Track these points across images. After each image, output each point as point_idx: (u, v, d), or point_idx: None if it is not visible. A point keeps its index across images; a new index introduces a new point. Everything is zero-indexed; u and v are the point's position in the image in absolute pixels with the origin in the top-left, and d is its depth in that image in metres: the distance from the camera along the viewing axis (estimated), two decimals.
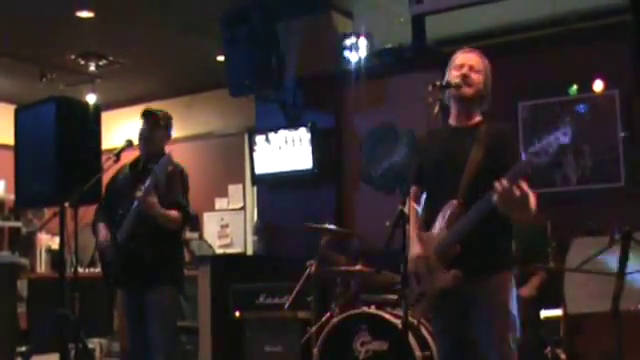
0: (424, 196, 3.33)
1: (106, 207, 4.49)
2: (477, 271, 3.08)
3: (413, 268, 3.19)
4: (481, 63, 3.27)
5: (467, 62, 3.24)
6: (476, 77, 3.22)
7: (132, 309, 4.33)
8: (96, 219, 4.54)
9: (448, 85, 3.19)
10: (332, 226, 5.20)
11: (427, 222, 3.26)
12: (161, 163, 4.13)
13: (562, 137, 2.72)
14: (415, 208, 3.35)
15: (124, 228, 4.23)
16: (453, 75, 3.24)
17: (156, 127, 4.48)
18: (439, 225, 3.16)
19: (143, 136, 4.48)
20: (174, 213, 4.28)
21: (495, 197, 2.85)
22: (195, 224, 7.89)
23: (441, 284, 3.11)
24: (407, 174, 3.27)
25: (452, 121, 3.33)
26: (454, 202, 3.10)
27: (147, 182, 4.11)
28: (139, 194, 4.11)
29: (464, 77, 3.19)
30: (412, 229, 3.25)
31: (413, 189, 3.39)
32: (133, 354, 4.35)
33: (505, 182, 2.82)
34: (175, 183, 4.32)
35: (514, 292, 3.19)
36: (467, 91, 3.21)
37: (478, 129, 3.21)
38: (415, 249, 3.21)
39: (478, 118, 3.30)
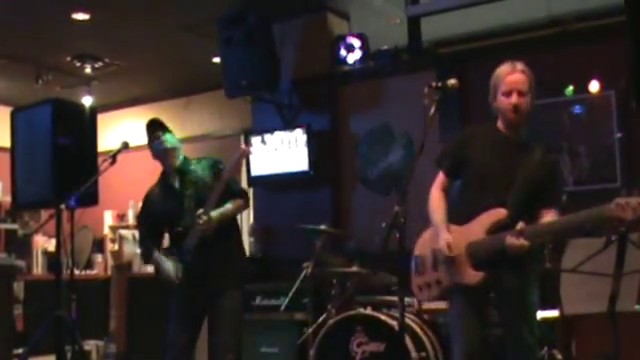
0: (457, 189, 3.46)
1: (151, 230, 4.34)
2: (504, 268, 3.23)
3: (441, 251, 3.29)
4: (527, 82, 3.30)
5: (515, 87, 3.28)
6: (524, 103, 3.28)
7: (188, 309, 4.20)
8: (146, 250, 4.35)
9: (445, 86, 3.23)
10: (328, 227, 5.19)
11: (459, 216, 3.36)
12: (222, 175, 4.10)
13: None
14: (442, 196, 3.45)
15: (191, 238, 4.11)
16: (502, 102, 3.30)
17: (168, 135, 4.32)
18: (477, 227, 3.26)
19: (165, 151, 4.26)
20: (229, 208, 4.17)
21: (507, 246, 3.12)
22: None
23: (466, 281, 3.26)
24: (403, 175, 3.31)
25: (501, 127, 3.39)
26: (502, 211, 3.20)
27: (206, 205, 4.02)
28: (200, 221, 4.00)
29: (515, 108, 3.26)
30: (439, 215, 3.38)
31: (442, 178, 3.47)
32: (173, 354, 4.27)
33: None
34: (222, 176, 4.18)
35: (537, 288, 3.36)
36: (519, 119, 3.30)
37: (530, 148, 3.31)
38: (445, 235, 3.30)
39: (524, 129, 3.38)
